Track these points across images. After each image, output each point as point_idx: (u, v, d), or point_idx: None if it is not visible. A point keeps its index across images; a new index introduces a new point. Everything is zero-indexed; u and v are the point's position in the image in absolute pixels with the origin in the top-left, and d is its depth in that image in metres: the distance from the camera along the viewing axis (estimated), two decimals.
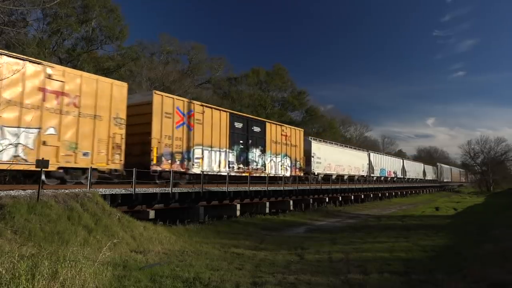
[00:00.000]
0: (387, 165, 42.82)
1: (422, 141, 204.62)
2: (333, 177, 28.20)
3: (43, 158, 9.65)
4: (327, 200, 25.98)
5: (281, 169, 21.58)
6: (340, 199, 28.02)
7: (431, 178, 64.20)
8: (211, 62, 43.85)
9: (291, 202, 21.30)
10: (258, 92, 48.83)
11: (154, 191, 12.67)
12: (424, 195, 52.59)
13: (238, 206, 16.89)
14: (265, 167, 20.08)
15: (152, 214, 12.75)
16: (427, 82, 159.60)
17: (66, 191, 9.61)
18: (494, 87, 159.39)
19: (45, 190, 9.07)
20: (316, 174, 26.46)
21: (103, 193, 10.65)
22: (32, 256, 5.19)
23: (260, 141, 19.93)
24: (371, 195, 35.10)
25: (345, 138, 62.67)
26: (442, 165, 75.35)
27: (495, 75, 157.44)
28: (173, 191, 13.20)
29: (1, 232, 6.88)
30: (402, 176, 48.06)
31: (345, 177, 31.46)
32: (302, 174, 23.66)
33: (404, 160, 52.08)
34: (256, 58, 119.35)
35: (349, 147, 35.76)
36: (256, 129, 19.75)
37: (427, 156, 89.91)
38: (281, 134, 21.92)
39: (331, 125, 59.20)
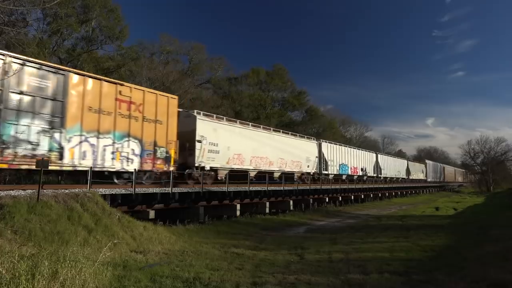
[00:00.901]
0: (350, 159, 33.14)
1: (422, 141, 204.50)
2: (252, 174, 19.52)
3: (43, 158, 9.66)
4: (327, 200, 26.01)
5: (115, 158, 12.64)
6: (340, 199, 28.06)
7: (418, 178, 55.56)
8: (211, 62, 43.97)
9: (291, 202, 21.29)
10: (258, 92, 48.86)
11: (154, 191, 12.67)
12: (424, 195, 52.62)
13: (238, 206, 16.89)
14: (61, 153, 11.08)
15: (152, 214, 12.76)
16: (427, 82, 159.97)
17: (66, 191, 9.62)
18: (494, 87, 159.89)
19: (45, 190, 9.08)
20: (208, 169, 16.98)
21: (103, 193, 10.66)
22: (32, 256, 5.19)
23: (49, 106, 10.88)
24: (371, 195, 35.16)
25: (345, 138, 62.64)
26: (433, 162, 68.04)
27: (495, 75, 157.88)
28: (173, 191, 13.20)
29: (1, 232, 6.88)
30: (374, 175, 38.93)
31: (275, 174, 22.24)
32: (173, 169, 14.44)
33: (379, 155, 41.95)
34: (256, 58, 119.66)
35: (282, 132, 24.64)
36: (38, 82, 10.70)
37: (427, 156, 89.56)
38: (116, 99, 12.79)
39: (331, 125, 59.23)
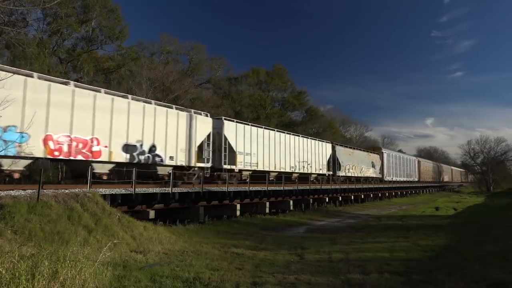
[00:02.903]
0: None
1: (422, 141, 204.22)
2: None
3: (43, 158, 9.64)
4: (327, 200, 26.01)
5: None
6: (340, 199, 28.06)
7: (364, 175, 35.69)
8: (211, 62, 43.90)
9: (291, 202, 21.30)
10: (258, 92, 48.86)
11: (154, 191, 12.67)
12: (423, 195, 52.65)
13: (238, 206, 16.90)
14: None
15: (152, 214, 12.76)
16: (426, 83, 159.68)
17: (66, 191, 9.62)
18: (493, 87, 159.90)
19: (45, 190, 9.07)
20: None
21: (103, 193, 10.66)
22: (32, 256, 5.19)
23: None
24: (371, 195, 35.16)
25: (345, 138, 62.62)
26: (396, 153, 48.79)
27: (494, 75, 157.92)
28: (173, 191, 13.19)
29: (1, 232, 6.88)
30: (227, 166, 17.78)
31: None
32: None
33: (248, 127, 19.78)
34: (256, 58, 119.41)
35: None
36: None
37: (427, 156, 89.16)
38: None
39: (331, 125, 59.20)
